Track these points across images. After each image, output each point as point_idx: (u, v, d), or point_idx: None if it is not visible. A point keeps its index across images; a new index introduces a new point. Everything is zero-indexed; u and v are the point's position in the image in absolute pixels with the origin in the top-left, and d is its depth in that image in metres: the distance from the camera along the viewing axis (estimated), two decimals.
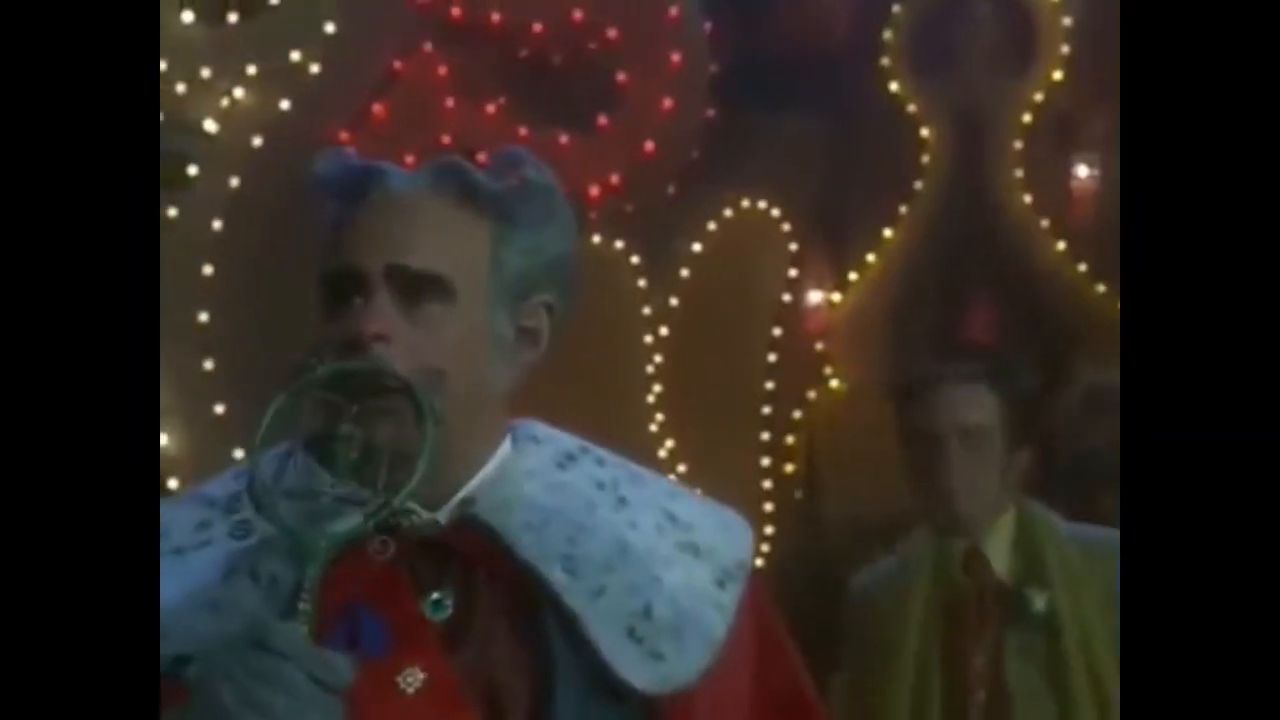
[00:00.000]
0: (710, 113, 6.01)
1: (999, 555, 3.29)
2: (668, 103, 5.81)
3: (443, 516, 1.62)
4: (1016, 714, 3.23)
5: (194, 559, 1.63)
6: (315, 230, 1.70)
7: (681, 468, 5.97)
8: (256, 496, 1.56)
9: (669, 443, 6.00)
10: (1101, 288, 6.46)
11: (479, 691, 1.60)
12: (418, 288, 1.62)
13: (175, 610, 1.58)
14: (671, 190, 5.93)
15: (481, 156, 5.27)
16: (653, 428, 6.00)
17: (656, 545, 1.68)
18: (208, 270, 5.22)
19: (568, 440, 1.75)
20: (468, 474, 1.65)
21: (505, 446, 1.69)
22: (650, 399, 6.02)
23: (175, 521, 1.65)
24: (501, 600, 1.64)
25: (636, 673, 1.62)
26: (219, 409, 5.00)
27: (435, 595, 1.62)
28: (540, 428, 1.76)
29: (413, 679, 1.58)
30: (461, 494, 1.63)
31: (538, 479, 1.68)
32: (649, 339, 6.04)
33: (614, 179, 5.75)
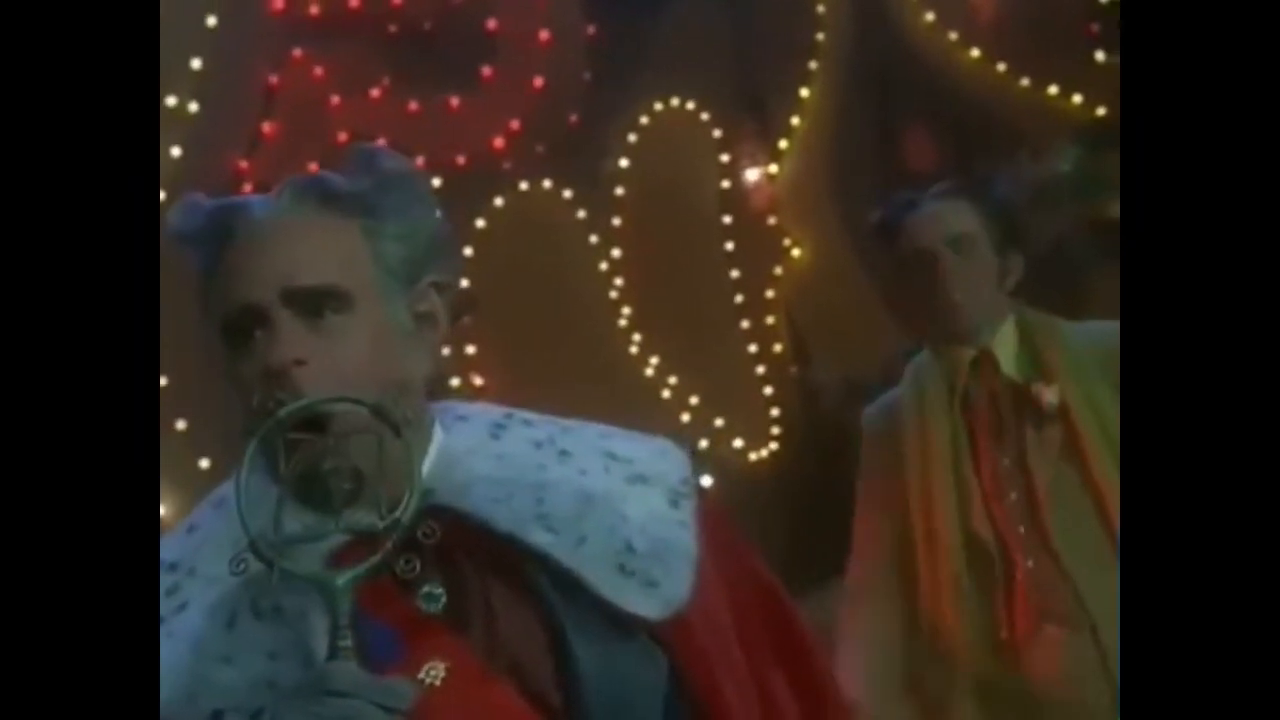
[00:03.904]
0: (591, 30, 6.09)
1: (1006, 360, 3.42)
2: (544, 34, 5.88)
3: (408, 515, 1.64)
4: (1052, 509, 3.37)
5: (176, 624, 1.68)
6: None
7: (673, 379, 6.09)
8: (262, 552, 1.59)
9: (653, 360, 6.08)
10: (1025, 81, 6.59)
11: (501, 664, 1.69)
12: (316, 304, 1.68)
13: (190, 672, 1.64)
14: (574, 118, 6.02)
15: (381, 141, 5.39)
16: (633, 350, 6.08)
17: (610, 485, 1.77)
18: None
19: (491, 410, 1.84)
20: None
21: (437, 432, 1.77)
22: (622, 323, 6.09)
23: None
24: (488, 575, 1.71)
25: (640, 603, 1.71)
26: (204, 463, 5.12)
27: (425, 589, 1.69)
28: (462, 406, 1.84)
29: (435, 671, 1.65)
30: (419, 488, 1.65)
31: (480, 454, 1.76)
32: (604, 265, 6.10)
33: (514, 124, 5.83)
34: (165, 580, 1.72)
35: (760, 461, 6.11)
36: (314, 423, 1.64)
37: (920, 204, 3.42)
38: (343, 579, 1.59)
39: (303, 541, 1.62)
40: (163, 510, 4.54)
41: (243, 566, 1.63)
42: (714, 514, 1.84)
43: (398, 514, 1.61)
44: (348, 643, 1.57)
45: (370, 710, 1.54)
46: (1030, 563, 3.35)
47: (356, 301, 1.71)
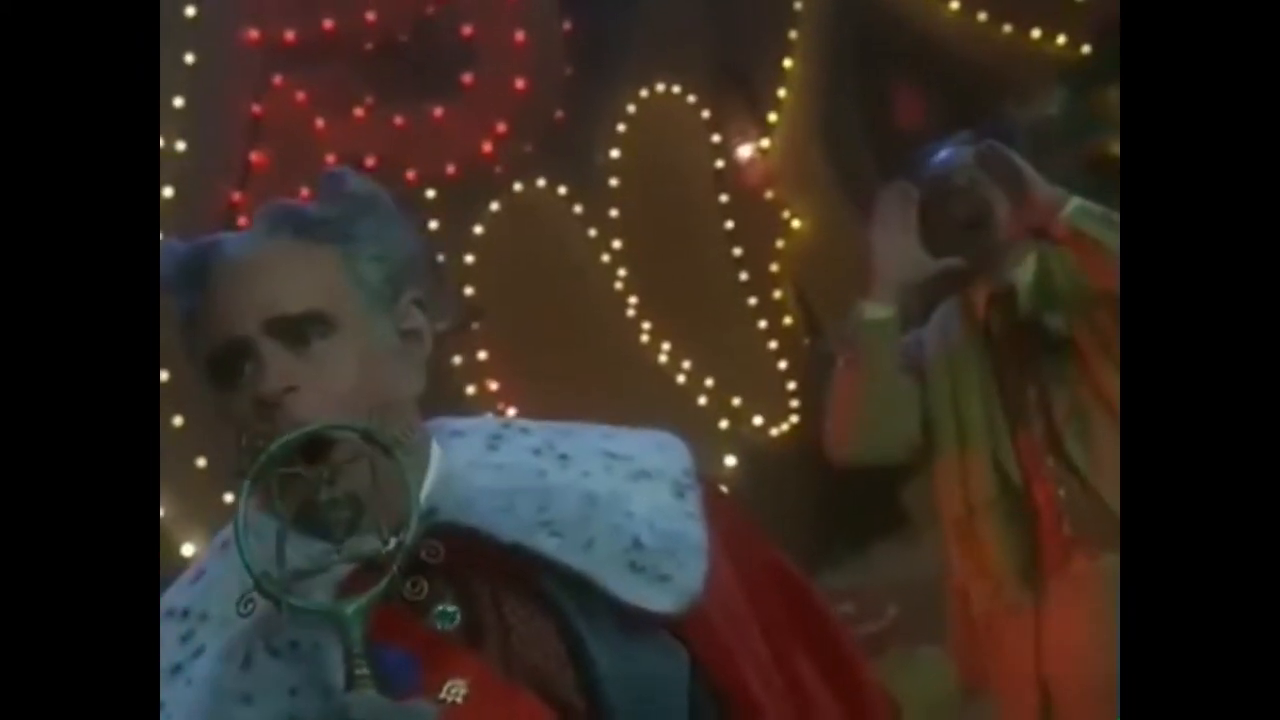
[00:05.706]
0: (567, 25, 6.12)
1: (1024, 293, 3.54)
2: (520, 36, 5.91)
3: (412, 536, 1.65)
4: (1074, 435, 3.45)
5: (193, 669, 1.70)
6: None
7: (686, 364, 6.12)
8: (268, 590, 1.61)
9: (665, 346, 6.12)
10: (1007, 28, 6.62)
11: (522, 674, 1.70)
12: (300, 331, 1.69)
13: (211, 715, 1.66)
14: (560, 115, 6.05)
15: (370, 160, 5.41)
16: (644, 338, 6.11)
17: (613, 484, 1.77)
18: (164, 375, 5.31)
19: (487, 422, 1.86)
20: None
21: (434, 449, 1.78)
22: (630, 313, 6.12)
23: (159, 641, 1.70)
24: (499, 588, 1.72)
25: (654, 599, 1.71)
26: (227, 498, 5.15)
27: (439, 607, 1.70)
28: (456, 421, 1.84)
29: (457, 689, 1.66)
30: (423, 507, 1.68)
31: (479, 467, 1.77)
32: (606, 257, 6.13)
33: (500, 128, 5.87)
34: (180, 627, 1.73)
35: (782, 436, 6.15)
36: (305, 454, 1.65)
37: (943, 148, 3.57)
38: (352, 608, 1.61)
39: (307, 576, 1.64)
40: (188, 555, 4.56)
41: (250, 607, 1.65)
42: (721, 502, 1.85)
43: (400, 537, 1.63)
44: (365, 671, 1.59)
45: None
46: (1062, 491, 3.43)
47: (340, 325, 1.72)
